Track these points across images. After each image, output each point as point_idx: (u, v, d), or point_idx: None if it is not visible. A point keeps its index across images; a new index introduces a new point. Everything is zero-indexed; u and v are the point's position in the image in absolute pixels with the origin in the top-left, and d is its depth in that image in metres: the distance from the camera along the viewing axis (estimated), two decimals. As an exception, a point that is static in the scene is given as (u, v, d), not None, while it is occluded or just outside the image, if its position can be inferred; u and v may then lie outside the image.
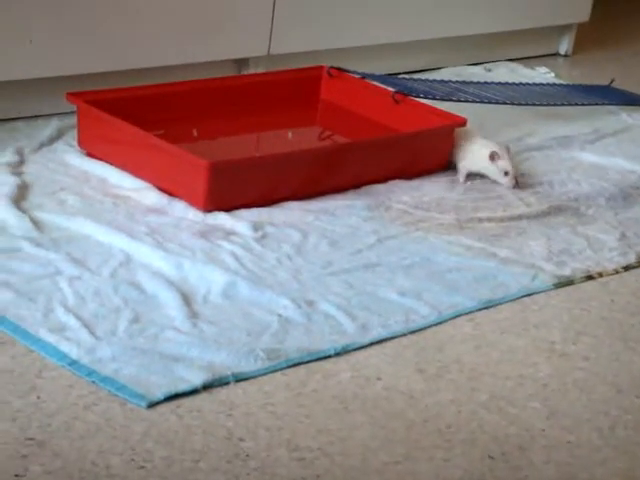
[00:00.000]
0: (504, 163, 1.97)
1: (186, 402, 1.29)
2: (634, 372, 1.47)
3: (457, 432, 1.30)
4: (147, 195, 1.79)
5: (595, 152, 2.24)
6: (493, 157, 1.97)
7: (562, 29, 2.94)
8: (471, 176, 2.02)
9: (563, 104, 2.43)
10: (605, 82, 2.69)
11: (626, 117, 2.49)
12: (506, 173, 1.98)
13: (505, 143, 2.06)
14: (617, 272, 1.76)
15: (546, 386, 1.41)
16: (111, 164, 1.88)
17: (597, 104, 2.49)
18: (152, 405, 1.27)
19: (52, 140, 1.99)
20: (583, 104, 2.46)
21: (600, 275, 1.74)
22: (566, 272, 1.72)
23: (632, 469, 1.27)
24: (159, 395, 1.29)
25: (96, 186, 1.82)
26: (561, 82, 2.66)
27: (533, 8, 2.79)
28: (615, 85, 2.67)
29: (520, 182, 2.00)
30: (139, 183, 1.82)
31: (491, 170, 1.99)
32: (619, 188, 2.07)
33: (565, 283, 1.69)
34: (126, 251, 1.61)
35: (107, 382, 1.30)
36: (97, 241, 1.63)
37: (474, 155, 2.00)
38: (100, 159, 1.90)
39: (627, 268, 1.77)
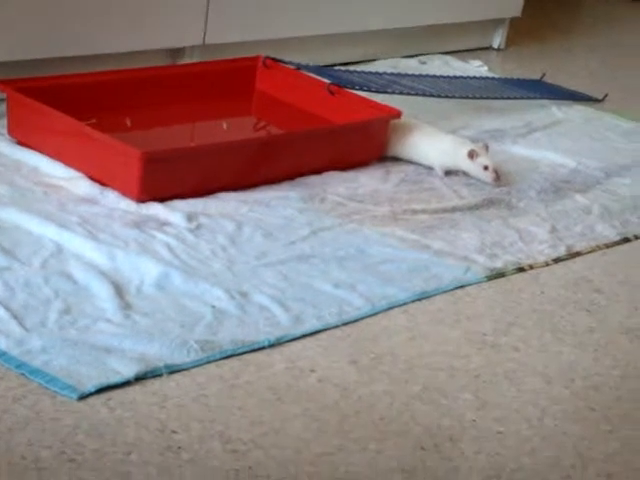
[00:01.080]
0: (483, 159, 2.00)
1: (118, 394, 1.28)
2: (563, 363, 1.50)
3: (390, 423, 1.30)
4: (79, 185, 1.77)
5: (527, 145, 2.27)
6: (472, 155, 1.99)
7: (495, 23, 2.97)
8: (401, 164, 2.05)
9: (496, 97, 2.45)
10: (537, 76, 2.73)
11: (556, 111, 2.52)
12: (486, 168, 2.00)
13: (483, 141, 2.10)
14: (547, 264, 1.78)
15: (477, 377, 1.43)
16: (43, 153, 1.85)
17: (529, 98, 2.53)
18: (83, 397, 1.26)
19: (-19, 128, 1.95)
20: (515, 97, 2.50)
21: (531, 267, 1.76)
22: (498, 264, 1.74)
23: (560, 458, 1.29)
24: (90, 387, 1.27)
25: (27, 175, 1.79)
26: (494, 75, 2.69)
27: (467, 2, 2.82)
28: (546, 79, 2.71)
29: (500, 174, 2.02)
30: (71, 172, 1.80)
31: (471, 167, 2.01)
32: (550, 181, 2.10)
33: (497, 275, 1.71)
34: (57, 241, 1.58)
35: (37, 374, 1.28)
36: (27, 231, 1.60)
37: (452, 154, 2.02)
38: (31, 148, 1.87)
39: (557, 260, 1.80)
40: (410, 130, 2.07)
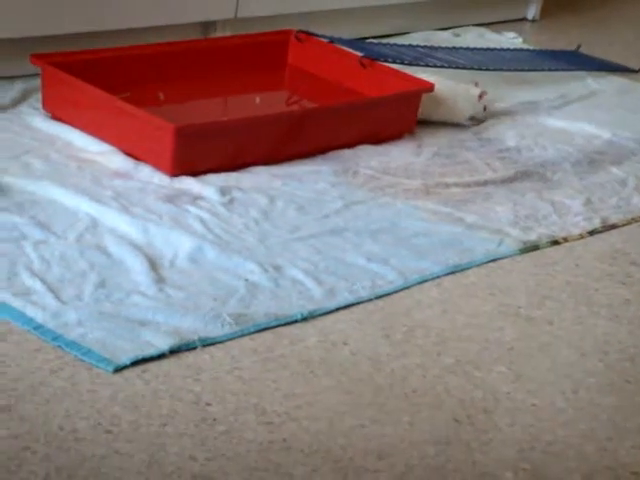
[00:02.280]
0: (485, 96, 2.12)
1: (153, 367, 1.29)
2: (597, 336, 1.49)
3: (423, 396, 1.31)
4: (113, 159, 1.78)
5: (561, 117, 2.25)
6: (482, 96, 2.10)
7: (530, -6, 2.95)
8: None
9: (530, 69, 2.43)
10: (572, 47, 2.70)
11: (592, 82, 2.50)
12: (485, 108, 2.12)
13: (473, 81, 2.17)
14: (582, 237, 1.77)
15: (511, 350, 1.43)
16: (76, 127, 1.86)
17: (564, 69, 2.50)
18: (118, 370, 1.27)
19: (16, 103, 1.96)
20: (550, 69, 2.47)
21: (565, 240, 1.75)
22: (532, 237, 1.73)
23: (594, 430, 1.29)
24: (125, 360, 1.28)
25: (61, 149, 1.80)
26: (528, 47, 2.66)
27: (501, -27, 2.79)
28: (581, 51, 2.68)
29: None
30: (105, 147, 1.81)
31: (477, 106, 2.11)
32: (584, 153, 2.08)
33: (531, 248, 1.70)
34: (92, 215, 1.60)
35: (73, 347, 1.29)
36: (62, 205, 1.62)
37: (469, 100, 2.10)
38: (65, 122, 1.88)
39: (592, 233, 1.79)
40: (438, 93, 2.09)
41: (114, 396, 1.23)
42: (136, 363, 1.29)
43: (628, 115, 2.33)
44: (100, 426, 1.18)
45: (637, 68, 2.62)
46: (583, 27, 2.95)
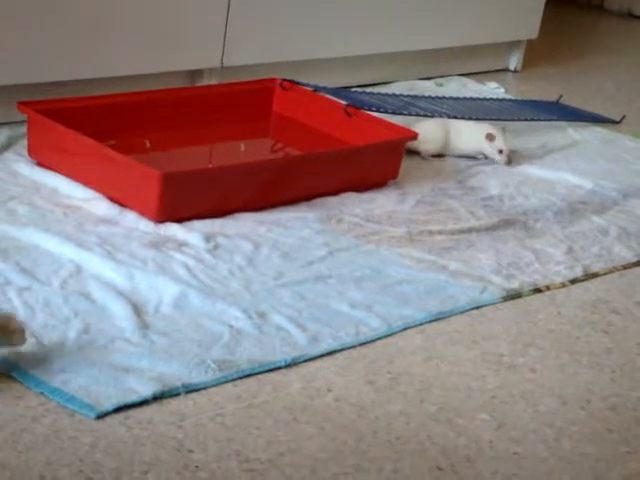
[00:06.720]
0: (499, 142, 2.20)
1: (135, 413, 1.28)
2: (579, 384, 1.49)
3: (406, 443, 1.31)
4: (98, 205, 1.78)
5: (543, 167, 2.27)
6: (489, 138, 2.20)
7: (512, 45, 2.98)
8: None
9: (512, 119, 2.46)
10: (553, 98, 2.73)
11: (573, 133, 2.53)
12: (500, 151, 2.21)
13: (501, 125, 2.26)
14: (564, 285, 1.78)
15: (494, 398, 1.43)
16: (62, 174, 1.87)
17: (545, 119, 2.53)
18: (101, 416, 1.27)
19: (2, 149, 1.97)
20: (532, 119, 2.50)
21: (547, 288, 1.76)
22: (514, 285, 1.74)
23: (577, 480, 1.29)
24: (108, 406, 1.28)
25: (46, 196, 1.81)
26: (510, 97, 2.69)
27: (484, 24, 2.83)
28: (563, 101, 2.72)
29: (512, 159, 2.23)
30: (90, 193, 1.82)
31: (487, 149, 2.21)
32: (566, 202, 2.10)
33: (513, 296, 1.71)
34: (76, 261, 1.60)
35: (56, 393, 1.29)
36: (47, 251, 1.62)
37: (471, 137, 2.21)
38: (51, 169, 1.89)
39: (574, 281, 1.80)
40: (440, 125, 2.21)
41: (96, 443, 1.22)
42: (119, 409, 1.28)
43: (610, 166, 2.35)
44: (82, 473, 1.17)
45: (618, 119, 2.66)
46: (565, 78, 2.99)
